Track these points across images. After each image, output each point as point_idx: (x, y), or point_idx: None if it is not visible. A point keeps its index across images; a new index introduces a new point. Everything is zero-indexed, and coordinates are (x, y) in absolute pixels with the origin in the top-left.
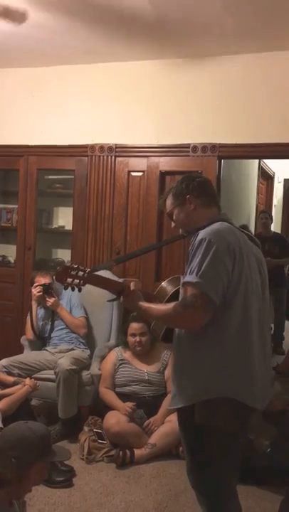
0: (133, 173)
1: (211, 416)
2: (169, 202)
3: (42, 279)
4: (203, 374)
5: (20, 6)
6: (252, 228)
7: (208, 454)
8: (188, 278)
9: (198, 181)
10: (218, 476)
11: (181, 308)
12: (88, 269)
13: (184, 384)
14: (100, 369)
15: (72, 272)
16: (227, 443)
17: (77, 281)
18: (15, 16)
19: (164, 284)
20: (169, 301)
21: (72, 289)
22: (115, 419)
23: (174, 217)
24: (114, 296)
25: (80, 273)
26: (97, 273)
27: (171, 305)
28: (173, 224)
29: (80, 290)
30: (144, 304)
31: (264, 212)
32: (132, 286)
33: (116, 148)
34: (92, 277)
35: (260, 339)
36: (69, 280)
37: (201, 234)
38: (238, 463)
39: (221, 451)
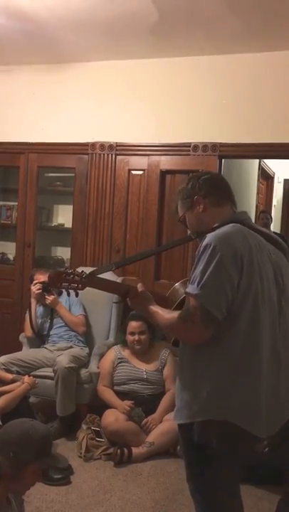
0: (133, 172)
1: (209, 437)
2: (179, 208)
3: (41, 277)
4: (203, 392)
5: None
6: None
7: (205, 472)
8: (189, 288)
9: (204, 179)
10: (214, 492)
11: (181, 320)
12: (85, 273)
13: (185, 400)
14: (98, 367)
15: (67, 277)
16: (224, 464)
17: (75, 285)
18: None
19: (177, 285)
20: (180, 303)
21: (68, 294)
22: (113, 418)
23: (187, 222)
24: (120, 299)
25: (77, 277)
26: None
27: (173, 314)
28: (189, 231)
29: (76, 295)
30: (153, 308)
31: (264, 213)
32: (140, 287)
33: (117, 146)
34: (93, 280)
35: (273, 358)
36: (65, 285)
37: (208, 238)
38: (238, 480)
39: (217, 471)
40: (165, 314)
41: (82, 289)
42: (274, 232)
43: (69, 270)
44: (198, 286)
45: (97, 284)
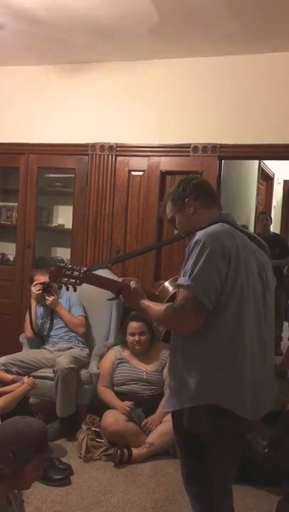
0: (133, 173)
1: (198, 422)
2: (168, 208)
3: (41, 278)
4: (193, 380)
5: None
6: (251, 229)
7: (199, 459)
8: (180, 280)
9: (194, 183)
10: (209, 480)
11: (172, 311)
12: (84, 269)
13: (176, 388)
14: (98, 368)
15: (66, 272)
16: (216, 449)
17: (73, 280)
18: None
19: (166, 283)
20: (169, 300)
21: (67, 289)
22: (113, 418)
23: (176, 222)
24: (114, 295)
25: (76, 273)
26: (96, 272)
27: (165, 306)
28: (176, 231)
29: (75, 290)
30: (145, 302)
31: (264, 214)
32: (133, 284)
33: (117, 147)
34: (89, 277)
35: (259, 348)
36: (64, 280)
37: (198, 235)
38: (232, 467)
39: (210, 457)
40: (157, 307)
41: (79, 284)
42: (273, 233)
43: (69, 265)
44: (189, 278)
45: (93, 281)
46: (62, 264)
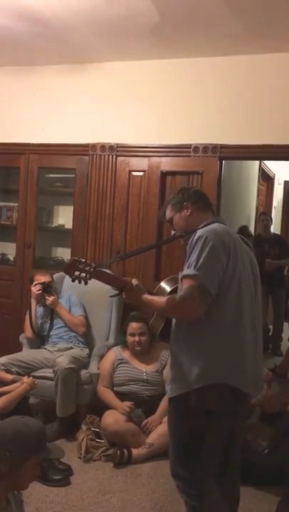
0: (134, 173)
1: (205, 400)
2: (168, 211)
3: (41, 278)
4: (199, 362)
5: None
6: (252, 229)
7: (197, 440)
8: (186, 271)
9: (193, 191)
10: (201, 459)
11: (180, 298)
12: (94, 265)
13: (181, 374)
14: (98, 368)
15: (80, 266)
16: (216, 425)
17: (84, 274)
18: None
19: (162, 283)
20: None
21: (79, 282)
22: (113, 418)
23: (174, 223)
24: (117, 292)
25: (87, 267)
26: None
27: (171, 296)
28: (173, 231)
29: (86, 283)
30: (148, 297)
31: (264, 214)
32: (134, 281)
33: (117, 147)
34: (98, 272)
35: (252, 333)
36: (76, 273)
37: (199, 232)
38: (221, 450)
39: (208, 434)
40: (161, 298)
41: (89, 279)
42: (274, 234)
43: (83, 260)
44: (194, 268)
45: (100, 276)
46: (77, 258)
